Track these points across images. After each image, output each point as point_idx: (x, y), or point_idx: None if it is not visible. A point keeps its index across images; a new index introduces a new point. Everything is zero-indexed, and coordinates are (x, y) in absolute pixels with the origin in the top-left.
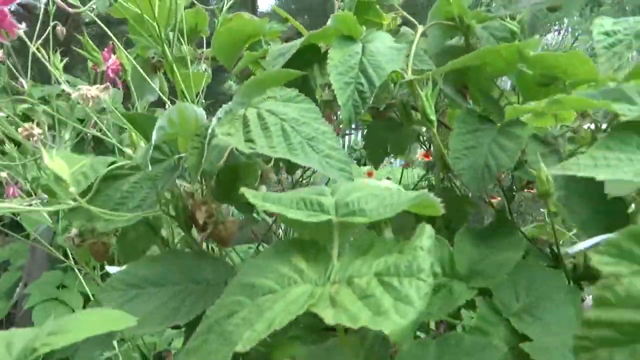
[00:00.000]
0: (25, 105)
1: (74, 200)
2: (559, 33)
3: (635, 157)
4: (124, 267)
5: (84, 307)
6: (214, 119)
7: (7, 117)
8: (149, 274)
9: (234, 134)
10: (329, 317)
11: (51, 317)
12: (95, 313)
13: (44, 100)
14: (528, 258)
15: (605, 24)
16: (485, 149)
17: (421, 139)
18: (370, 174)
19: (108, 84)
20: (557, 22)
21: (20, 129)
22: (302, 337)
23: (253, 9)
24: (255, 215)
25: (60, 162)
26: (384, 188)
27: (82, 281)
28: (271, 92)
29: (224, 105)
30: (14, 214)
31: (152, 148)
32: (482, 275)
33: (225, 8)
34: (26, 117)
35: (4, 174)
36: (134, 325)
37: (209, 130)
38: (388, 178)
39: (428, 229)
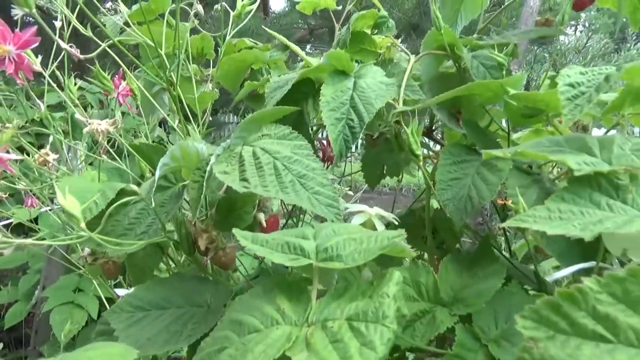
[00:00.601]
0: (43, 113)
1: (85, 232)
2: (576, 29)
3: (586, 210)
4: (131, 289)
5: (99, 311)
6: (213, 157)
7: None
8: (154, 297)
9: (230, 173)
10: (302, 358)
11: (67, 323)
12: (101, 349)
13: (60, 106)
14: (511, 284)
15: (572, 75)
16: (469, 180)
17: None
18: None
19: (117, 118)
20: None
21: (36, 156)
22: None
23: (265, 9)
24: None
25: (72, 200)
26: (363, 231)
27: (97, 286)
28: (267, 130)
29: (222, 143)
30: (31, 220)
31: (156, 182)
32: (463, 302)
33: (228, 36)
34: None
35: (22, 186)
36: (140, 345)
37: (208, 168)
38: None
39: (396, 276)
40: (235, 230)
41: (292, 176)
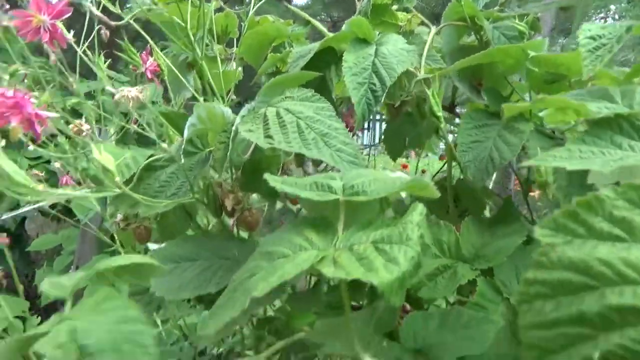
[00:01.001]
0: (74, 100)
1: (119, 188)
2: (605, 20)
3: (607, 151)
4: (162, 245)
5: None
6: (238, 117)
7: (59, 113)
8: (183, 251)
9: (254, 131)
10: (330, 272)
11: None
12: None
13: (91, 95)
14: (533, 244)
15: (593, 29)
16: (490, 142)
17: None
18: (405, 166)
19: (146, 85)
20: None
21: (71, 126)
22: (323, 314)
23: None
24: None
25: (107, 155)
26: (391, 176)
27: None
28: (289, 93)
29: (246, 105)
30: (66, 201)
31: (184, 143)
32: (484, 258)
33: (251, 12)
34: (74, 111)
35: (57, 165)
36: (172, 292)
37: (234, 127)
38: (423, 171)
39: (419, 207)
40: (266, 175)
41: (314, 134)
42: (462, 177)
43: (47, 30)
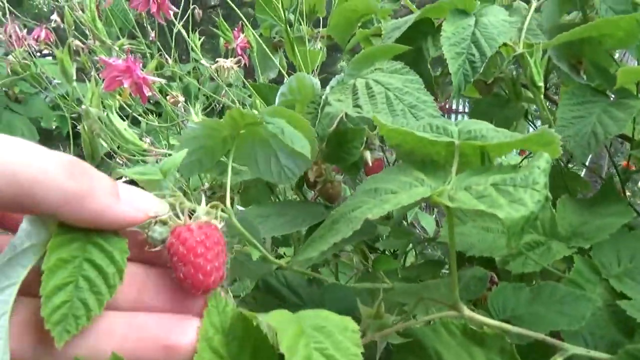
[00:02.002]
0: (173, 67)
1: None
2: None
3: None
4: None
5: None
6: (328, 88)
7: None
8: (272, 210)
9: (344, 100)
10: (449, 202)
11: None
12: None
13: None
14: (637, 230)
15: None
16: (594, 118)
17: (529, 117)
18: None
19: (240, 57)
20: None
21: (168, 97)
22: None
23: None
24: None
25: (203, 118)
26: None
27: None
28: (379, 65)
29: (336, 76)
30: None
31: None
32: (582, 236)
33: None
34: (161, 92)
35: (147, 140)
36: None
37: (324, 97)
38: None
39: (546, 155)
40: (373, 116)
41: (403, 105)
42: (556, 162)
43: (155, 1)
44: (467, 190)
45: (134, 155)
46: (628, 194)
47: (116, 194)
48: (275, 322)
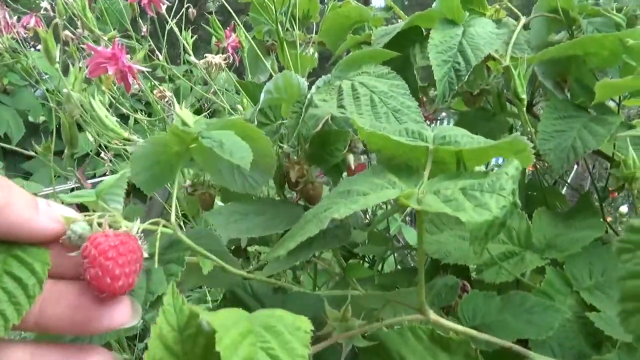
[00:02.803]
0: (161, 63)
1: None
2: None
3: None
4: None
5: None
6: (313, 87)
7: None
8: (250, 208)
9: (328, 101)
10: (415, 205)
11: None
12: None
13: (170, 79)
14: (611, 245)
15: None
16: (574, 132)
17: (513, 131)
18: None
19: (229, 54)
20: None
21: (155, 91)
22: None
23: (365, 3)
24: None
25: (187, 111)
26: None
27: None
28: (366, 68)
29: (323, 77)
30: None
31: (258, 111)
32: (556, 248)
33: None
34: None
35: (134, 138)
36: (241, 232)
37: (308, 96)
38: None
39: (515, 162)
40: (353, 117)
41: (387, 109)
42: (536, 177)
43: None
44: (435, 194)
45: (120, 153)
46: (609, 219)
47: (35, 206)
48: (217, 321)
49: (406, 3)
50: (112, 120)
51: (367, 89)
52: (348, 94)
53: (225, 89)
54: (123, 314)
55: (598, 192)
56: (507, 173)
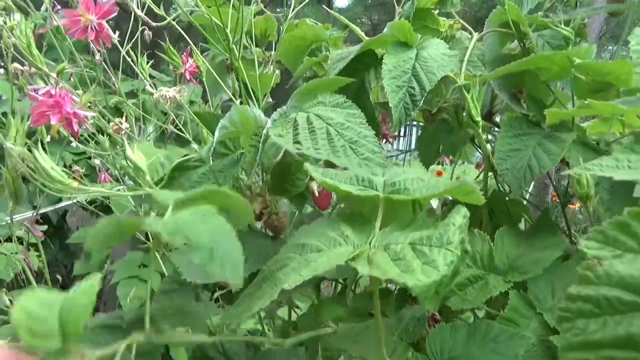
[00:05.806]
0: (116, 99)
1: (149, 187)
2: None
3: None
4: None
5: None
6: (269, 121)
7: (100, 111)
8: None
9: (284, 136)
10: (365, 270)
11: (133, 291)
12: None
13: (133, 93)
14: (571, 260)
15: None
16: (529, 151)
17: (475, 142)
18: (439, 173)
19: (184, 86)
20: None
21: (111, 124)
22: (347, 319)
23: (329, 4)
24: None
25: (140, 155)
26: (431, 176)
27: (160, 262)
28: (322, 98)
29: (278, 109)
30: (104, 197)
31: (214, 144)
32: (518, 270)
33: (290, 15)
34: (117, 109)
35: (97, 162)
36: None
37: (264, 131)
38: (458, 178)
39: (463, 210)
40: (306, 165)
41: (344, 141)
42: (498, 189)
43: (94, 29)
44: (386, 251)
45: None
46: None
47: None
48: None
49: (369, 2)
50: (58, 171)
51: (322, 122)
52: (304, 127)
53: (191, 101)
54: None
55: (560, 197)
56: (454, 224)
